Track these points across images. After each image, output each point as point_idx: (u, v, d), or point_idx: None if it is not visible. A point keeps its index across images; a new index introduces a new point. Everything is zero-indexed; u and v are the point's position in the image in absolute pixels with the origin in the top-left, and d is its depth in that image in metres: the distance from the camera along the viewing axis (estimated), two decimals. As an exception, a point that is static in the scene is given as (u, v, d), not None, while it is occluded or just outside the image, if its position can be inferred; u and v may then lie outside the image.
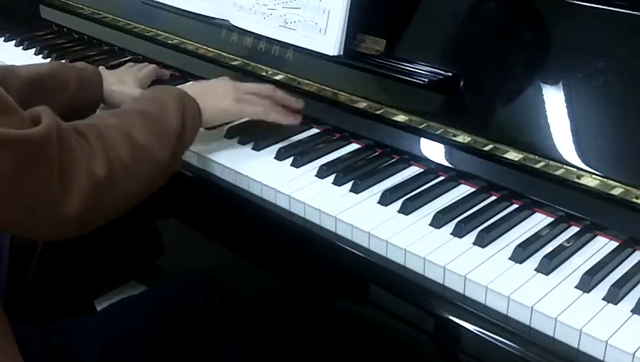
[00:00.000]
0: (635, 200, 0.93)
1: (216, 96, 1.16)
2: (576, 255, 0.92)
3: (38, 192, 0.84)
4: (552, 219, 0.99)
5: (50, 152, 0.85)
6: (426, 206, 1.03)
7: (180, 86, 1.18)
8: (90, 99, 1.30)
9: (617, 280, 0.86)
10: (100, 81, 1.32)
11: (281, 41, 1.29)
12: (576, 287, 0.86)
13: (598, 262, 0.90)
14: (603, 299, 0.84)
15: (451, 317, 0.88)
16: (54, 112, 1.23)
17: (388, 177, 1.10)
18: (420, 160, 1.13)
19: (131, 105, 1.08)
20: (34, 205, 0.85)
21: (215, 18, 1.41)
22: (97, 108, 1.33)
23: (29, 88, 1.19)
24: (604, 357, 0.78)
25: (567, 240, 0.94)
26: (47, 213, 0.86)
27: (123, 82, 1.35)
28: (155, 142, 1.00)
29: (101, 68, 1.39)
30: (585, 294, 0.85)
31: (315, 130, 1.25)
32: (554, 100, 1.02)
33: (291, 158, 1.15)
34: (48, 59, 1.62)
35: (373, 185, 1.08)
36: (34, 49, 1.68)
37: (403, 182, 1.08)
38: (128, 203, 0.99)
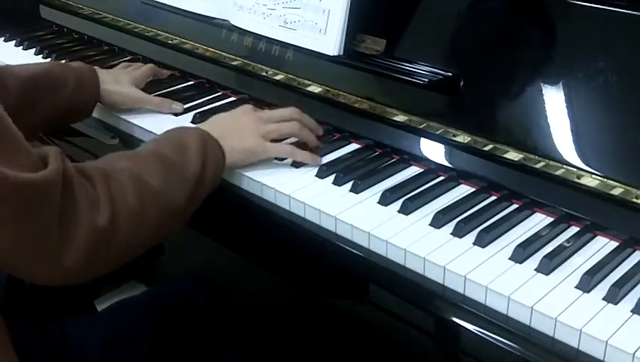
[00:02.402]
0: (635, 200, 0.93)
1: (241, 134, 1.10)
2: (576, 255, 0.92)
3: (38, 239, 0.81)
4: (552, 219, 0.99)
5: (53, 199, 0.81)
6: (426, 206, 1.03)
7: (200, 125, 1.13)
8: (86, 98, 1.30)
9: (617, 280, 0.86)
10: (97, 81, 1.31)
11: (281, 41, 1.29)
12: (576, 287, 0.86)
13: (598, 262, 0.90)
14: (603, 299, 0.84)
15: (451, 317, 0.88)
16: (51, 112, 1.23)
17: (388, 177, 1.10)
18: (420, 160, 1.13)
19: (149, 145, 1.04)
20: (33, 251, 0.82)
21: (215, 18, 1.41)
22: (94, 107, 1.32)
23: (26, 88, 1.18)
24: (604, 357, 0.78)
25: (567, 240, 0.94)
26: (47, 261, 0.83)
27: (119, 82, 1.34)
28: (170, 188, 0.96)
29: (97, 68, 1.39)
30: (585, 294, 0.85)
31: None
32: (554, 100, 1.02)
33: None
34: (48, 60, 1.62)
35: (373, 185, 1.08)
36: (34, 49, 1.68)
37: (403, 182, 1.08)
38: (135, 250, 0.94)
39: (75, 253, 0.83)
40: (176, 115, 1.33)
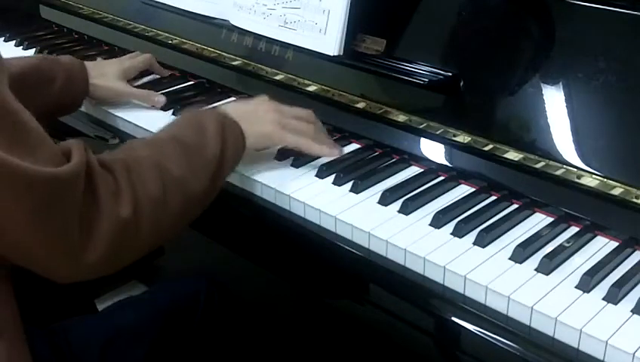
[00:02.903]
0: (635, 200, 0.93)
1: (260, 119, 1.09)
2: (576, 255, 0.92)
3: (60, 234, 0.80)
4: (552, 219, 0.99)
5: (76, 193, 0.80)
6: (426, 206, 1.03)
7: (220, 107, 1.12)
8: (75, 93, 1.30)
9: (617, 280, 0.86)
10: (86, 76, 1.30)
11: (281, 41, 1.29)
12: (576, 287, 0.86)
13: (598, 262, 0.90)
14: (603, 299, 0.84)
15: (451, 317, 0.88)
16: (41, 107, 1.22)
17: (388, 177, 1.10)
18: (420, 160, 1.13)
19: (167, 130, 1.02)
20: (56, 246, 0.81)
21: (215, 18, 1.41)
22: (82, 101, 1.32)
23: (15, 83, 1.18)
24: (604, 357, 0.78)
25: (567, 240, 0.94)
26: (69, 256, 0.82)
27: (104, 75, 1.33)
28: (191, 171, 0.95)
29: (86, 61, 1.39)
30: (585, 294, 0.85)
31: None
32: (554, 100, 1.02)
33: (291, 158, 1.15)
34: (48, 59, 1.62)
35: (373, 185, 1.08)
36: (34, 49, 1.68)
37: (403, 182, 1.08)
38: (160, 238, 0.93)
39: (98, 247, 0.82)
40: (176, 114, 1.33)
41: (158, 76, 1.48)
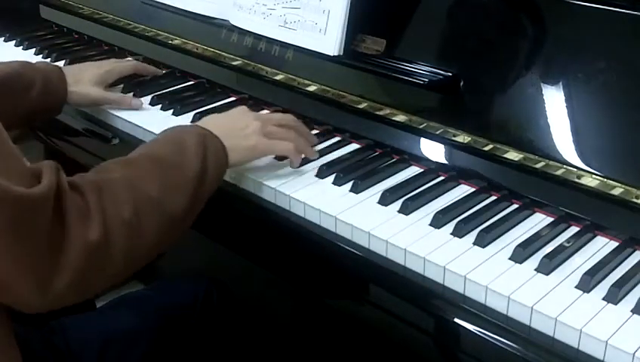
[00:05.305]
0: (635, 200, 0.93)
1: (242, 133, 1.07)
2: (576, 255, 0.92)
3: (28, 258, 0.76)
4: (552, 219, 0.99)
5: (44, 215, 0.77)
6: (426, 206, 1.03)
7: (200, 122, 1.09)
8: (54, 100, 1.28)
9: (617, 280, 0.86)
10: (64, 83, 1.28)
11: (281, 41, 1.29)
12: (576, 287, 0.86)
13: (598, 262, 0.90)
14: (603, 299, 0.84)
15: (451, 318, 0.88)
16: (19, 113, 1.20)
17: (388, 177, 1.10)
18: (420, 160, 1.13)
19: (146, 148, 0.99)
20: (23, 271, 0.77)
21: (215, 18, 1.41)
22: (62, 107, 1.31)
23: None
24: (604, 357, 0.78)
25: (567, 240, 0.94)
26: (37, 283, 0.78)
27: (79, 81, 1.31)
28: (169, 192, 0.92)
29: (65, 67, 1.36)
30: (585, 294, 0.85)
31: (315, 131, 1.25)
32: (554, 100, 1.02)
33: (291, 158, 1.15)
34: (48, 60, 1.62)
35: (373, 185, 1.08)
36: (34, 49, 1.68)
37: (403, 182, 1.08)
38: (136, 263, 0.89)
39: (66, 273, 0.79)
40: (176, 114, 1.32)
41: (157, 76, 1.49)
